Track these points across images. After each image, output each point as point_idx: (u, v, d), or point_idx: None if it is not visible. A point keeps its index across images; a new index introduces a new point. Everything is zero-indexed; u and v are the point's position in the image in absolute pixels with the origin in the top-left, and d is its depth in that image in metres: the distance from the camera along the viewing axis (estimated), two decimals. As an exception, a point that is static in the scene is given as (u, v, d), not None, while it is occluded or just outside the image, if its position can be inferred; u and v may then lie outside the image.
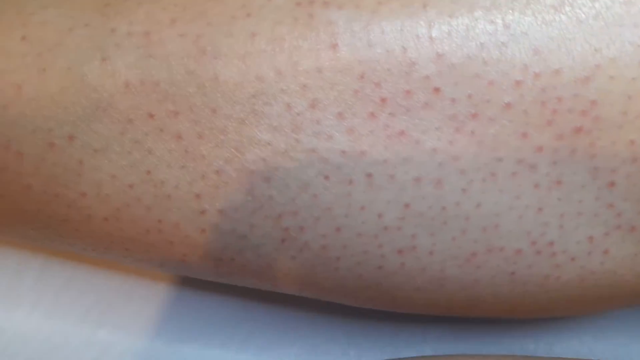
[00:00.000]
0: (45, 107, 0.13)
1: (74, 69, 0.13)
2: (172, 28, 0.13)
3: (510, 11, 0.12)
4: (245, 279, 0.15)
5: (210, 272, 0.15)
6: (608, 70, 0.12)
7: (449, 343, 0.18)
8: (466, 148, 0.13)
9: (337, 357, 0.18)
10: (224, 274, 0.15)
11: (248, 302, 0.19)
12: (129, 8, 0.13)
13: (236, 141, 0.13)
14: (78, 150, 0.13)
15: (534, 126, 0.13)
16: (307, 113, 0.13)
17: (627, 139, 0.13)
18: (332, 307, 0.17)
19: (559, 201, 0.13)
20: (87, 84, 0.13)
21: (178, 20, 0.13)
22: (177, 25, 0.13)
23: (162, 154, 0.13)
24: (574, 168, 0.13)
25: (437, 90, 0.13)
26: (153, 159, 0.13)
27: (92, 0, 0.13)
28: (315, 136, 0.13)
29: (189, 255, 0.15)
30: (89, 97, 0.13)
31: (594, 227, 0.14)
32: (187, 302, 0.19)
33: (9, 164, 0.14)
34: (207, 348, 0.18)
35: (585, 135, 0.13)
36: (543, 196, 0.13)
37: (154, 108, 0.13)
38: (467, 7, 0.12)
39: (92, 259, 0.19)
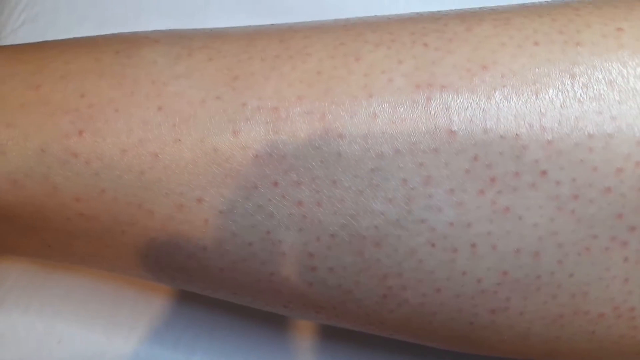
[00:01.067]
0: (179, 174, 0.14)
1: (206, 140, 0.14)
2: (299, 105, 0.14)
3: (617, 104, 0.13)
4: (342, 324, 0.17)
5: (309, 316, 0.17)
6: None
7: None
8: (565, 225, 0.14)
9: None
10: (323, 319, 0.17)
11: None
12: (258, 82, 0.14)
13: (352, 209, 0.14)
14: (205, 211, 0.14)
15: (629, 208, 0.14)
16: (421, 188, 0.14)
17: None
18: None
19: (645, 273, 0.14)
20: (219, 154, 0.14)
21: (305, 98, 0.14)
22: (304, 103, 0.14)
23: (282, 218, 0.14)
24: (663, 246, 0.14)
25: (544, 173, 0.14)
26: (273, 221, 0.14)
27: (221, 72, 0.14)
28: (427, 208, 0.14)
29: (293, 303, 0.16)
30: (220, 166, 0.14)
31: (674, 295, 0.15)
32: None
33: (139, 220, 0.15)
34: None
35: (677, 218, 0.14)
36: (630, 268, 0.14)
37: (279, 177, 0.14)
38: (577, 100, 0.13)
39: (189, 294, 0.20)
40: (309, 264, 0.15)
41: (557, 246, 0.14)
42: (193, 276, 0.16)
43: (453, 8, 0.16)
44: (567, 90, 0.14)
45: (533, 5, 0.16)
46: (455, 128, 0.14)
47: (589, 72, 0.14)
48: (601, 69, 0.14)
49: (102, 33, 0.16)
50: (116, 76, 0.15)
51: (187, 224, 0.15)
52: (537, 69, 0.14)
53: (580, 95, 0.14)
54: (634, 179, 0.14)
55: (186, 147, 0.14)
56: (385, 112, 0.14)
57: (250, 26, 0.17)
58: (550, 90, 0.14)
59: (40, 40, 0.16)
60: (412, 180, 0.14)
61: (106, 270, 0.18)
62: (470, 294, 0.15)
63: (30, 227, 0.15)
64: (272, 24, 0.17)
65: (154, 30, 0.16)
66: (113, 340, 0.19)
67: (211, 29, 0.16)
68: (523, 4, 0.16)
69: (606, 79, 0.14)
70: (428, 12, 0.16)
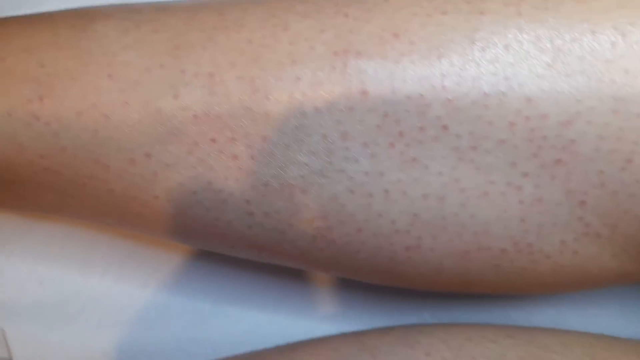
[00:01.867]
0: (128, 132, 0.16)
1: (150, 103, 0.16)
2: (232, 71, 0.16)
3: (511, 66, 0.15)
4: (282, 262, 0.19)
5: (254, 256, 0.19)
6: (586, 116, 0.15)
7: (445, 311, 0.22)
8: (466, 173, 0.16)
9: (354, 321, 0.22)
10: (265, 257, 0.19)
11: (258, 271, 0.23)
12: (196, 51, 0.16)
13: (281, 162, 0.16)
14: (153, 164, 0.17)
15: (522, 158, 0.16)
16: (339, 142, 0.16)
17: (597, 170, 0.16)
18: (352, 282, 0.21)
19: (538, 214, 0.17)
20: (162, 115, 0.16)
21: (236, 64, 0.16)
22: (236, 69, 0.16)
23: (221, 170, 0.16)
24: (552, 190, 0.16)
25: (445, 127, 0.16)
26: (213, 173, 0.17)
27: (164, 43, 0.16)
28: (345, 160, 0.16)
29: (237, 245, 0.18)
30: (163, 125, 0.16)
31: (566, 234, 0.17)
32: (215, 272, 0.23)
33: (96, 174, 0.17)
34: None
35: (563, 166, 0.16)
36: (526, 210, 0.17)
37: (216, 135, 0.16)
38: (475, 62, 0.15)
39: (154, 240, 0.22)
40: (247, 210, 0.17)
41: (459, 191, 0.16)
42: (149, 222, 0.18)
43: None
44: (467, 54, 0.15)
45: None
46: (367, 89, 0.15)
47: (487, 37, 0.15)
48: (498, 35, 0.15)
49: (65, 7, 0.18)
50: (72, 48, 0.16)
51: (139, 176, 0.17)
52: (442, 36, 0.16)
53: (478, 58, 0.15)
54: (525, 131, 0.16)
55: (133, 109, 0.16)
56: (306, 76, 0.16)
57: (194, -2, 0.18)
58: (452, 55, 0.15)
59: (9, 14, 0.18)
60: (331, 135, 0.16)
61: (76, 219, 0.20)
62: (387, 234, 0.17)
63: (4, 181, 0.18)
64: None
65: (108, 5, 0.18)
66: (89, 280, 0.22)
67: (159, 2, 0.18)
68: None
69: (502, 43, 0.15)
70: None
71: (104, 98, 0.16)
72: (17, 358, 0.21)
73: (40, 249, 0.22)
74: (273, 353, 0.19)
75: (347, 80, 0.15)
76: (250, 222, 0.17)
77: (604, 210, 0.16)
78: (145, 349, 0.22)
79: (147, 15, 0.17)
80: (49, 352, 0.21)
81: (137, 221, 0.18)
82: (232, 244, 0.18)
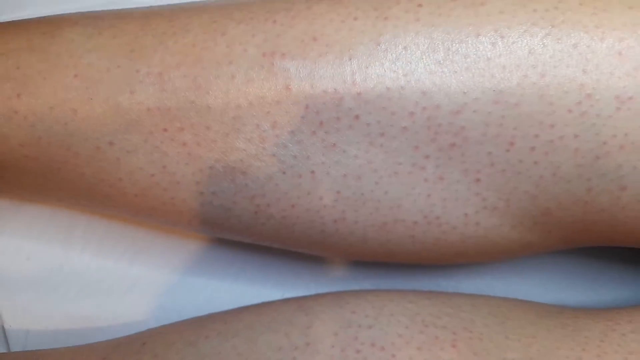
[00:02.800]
0: (93, 124, 0.19)
1: (111, 99, 0.19)
2: (178, 70, 0.19)
3: (409, 64, 0.18)
4: (233, 236, 0.22)
5: (208, 231, 0.22)
6: (472, 106, 0.18)
7: (384, 280, 0.25)
8: (377, 156, 0.19)
9: (299, 288, 0.25)
10: (218, 232, 0.22)
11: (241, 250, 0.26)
12: (149, 54, 0.19)
13: (222, 147, 0.19)
14: (116, 151, 0.20)
15: (422, 142, 0.19)
16: (270, 130, 0.19)
17: (486, 151, 0.19)
18: (298, 255, 0.24)
19: (442, 190, 0.20)
20: (121, 109, 0.19)
21: (182, 65, 0.19)
22: (181, 69, 0.19)
23: (173, 155, 0.20)
24: (451, 169, 0.19)
25: (357, 117, 0.19)
26: (167, 158, 0.20)
27: (121, 47, 0.19)
28: (276, 145, 0.19)
29: (193, 221, 0.21)
30: (123, 117, 0.19)
31: (468, 207, 0.20)
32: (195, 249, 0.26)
33: (69, 159, 0.20)
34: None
35: (458, 149, 0.19)
36: (430, 186, 0.20)
37: (167, 125, 0.19)
38: (379, 61, 0.18)
39: (124, 218, 0.25)
40: (197, 190, 0.20)
41: (372, 171, 0.19)
42: (117, 202, 0.21)
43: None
44: (373, 55, 0.18)
45: None
46: (290, 85, 0.18)
47: (390, 40, 0.18)
48: (399, 38, 0.18)
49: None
50: (43, 52, 0.19)
51: (105, 161, 0.20)
52: (353, 39, 0.18)
53: (382, 58, 0.18)
54: (422, 119, 0.18)
55: (97, 104, 0.19)
56: (240, 74, 0.19)
57: (153, 6, 0.21)
58: (361, 55, 0.18)
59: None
60: (263, 124, 0.19)
61: (55, 202, 0.23)
62: (316, 209, 0.20)
63: (-9, 167, 0.21)
64: (171, 4, 0.21)
65: (75, 12, 0.21)
66: (69, 255, 0.25)
67: (120, 10, 0.21)
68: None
69: (402, 45, 0.18)
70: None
71: (71, 95, 0.19)
72: (7, 323, 0.24)
73: (27, 228, 0.25)
74: (224, 314, 0.22)
75: (274, 77, 0.18)
76: (201, 200, 0.20)
77: (496, 186, 0.19)
78: (119, 315, 0.25)
79: (107, 22, 0.20)
80: (36, 317, 0.24)
81: (107, 202, 0.22)
82: (188, 220, 0.21)
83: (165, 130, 0.19)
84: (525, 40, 0.18)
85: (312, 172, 0.19)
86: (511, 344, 0.19)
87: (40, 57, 0.19)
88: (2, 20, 0.22)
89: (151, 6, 0.21)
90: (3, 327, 0.24)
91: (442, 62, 0.18)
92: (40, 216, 0.25)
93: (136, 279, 0.25)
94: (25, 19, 0.21)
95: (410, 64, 0.18)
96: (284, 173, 0.19)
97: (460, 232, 0.21)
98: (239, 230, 0.22)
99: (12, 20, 0.21)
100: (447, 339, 0.19)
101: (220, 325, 0.21)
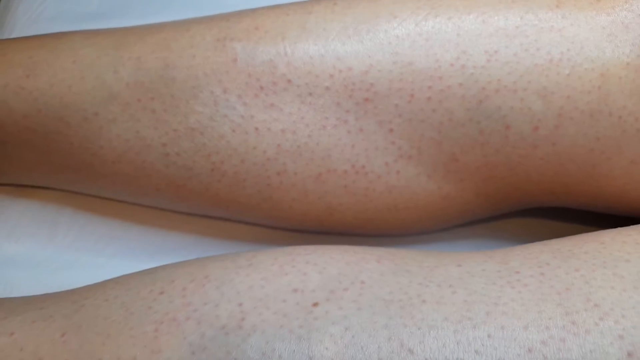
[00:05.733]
0: (83, 97, 0.24)
1: (99, 77, 0.24)
2: (152, 55, 0.24)
3: (327, 39, 0.24)
4: (195, 204, 0.26)
5: (172, 199, 0.26)
6: (377, 67, 0.23)
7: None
8: (307, 112, 0.24)
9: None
10: (182, 196, 0.26)
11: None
12: (130, 46, 0.25)
13: (184, 111, 0.24)
14: (100, 120, 0.24)
15: (343, 98, 0.24)
16: (222, 95, 0.24)
17: (393, 104, 0.23)
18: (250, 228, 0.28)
19: (363, 140, 0.24)
20: (106, 85, 0.24)
21: (155, 51, 0.24)
22: (155, 54, 0.24)
23: (145, 122, 0.24)
24: (368, 121, 0.24)
25: (289, 81, 0.24)
26: (140, 124, 0.24)
27: (110, 43, 0.25)
28: (226, 107, 0.24)
29: (161, 185, 0.25)
30: (106, 91, 0.24)
31: (387, 156, 0.24)
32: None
33: (61, 130, 0.25)
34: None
35: (370, 103, 0.24)
36: (353, 138, 0.24)
37: (141, 96, 0.24)
38: (305, 39, 0.24)
39: (107, 211, 0.29)
40: (163, 151, 0.25)
41: (305, 126, 0.24)
42: (99, 172, 0.26)
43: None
44: (300, 35, 0.24)
45: None
46: (237, 58, 0.24)
47: (313, 26, 0.24)
48: (320, 24, 0.24)
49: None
50: (51, 48, 0.25)
51: (89, 130, 0.25)
52: (285, 26, 0.24)
53: (307, 36, 0.24)
54: (340, 80, 0.24)
55: (87, 81, 0.24)
56: (199, 54, 0.24)
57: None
58: (291, 36, 0.24)
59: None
60: (216, 91, 0.24)
61: (48, 176, 0.27)
62: (261, 162, 0.24)
63: (-3, 143, 0.25)
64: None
65: (83, 30, 0.27)
66: (54, 239, 0.28)
67: (116, 28, 0.27)
68: None
69: (322, 28, 0.24)
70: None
71: (68, 75, 0.24)
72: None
73: (19, 215, 0.29)
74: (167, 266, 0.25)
75: (225, 54, 0.24)
76: (167, 162, 0.25)
77: (407, 135, 0.24)
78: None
79: (101, 31, 0.26)
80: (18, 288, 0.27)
81: (90, 173, 0.26)
82: (156, 184, 0.25)
83: (139, 100, 0.24)
84: (412, 18, 0.24)
85: (256, 128, 0.24)
86: (430, 256, 0.22)
87: (47, 50, 0.25)
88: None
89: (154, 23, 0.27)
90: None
91: (351, 36, 0.24)
92: (30, 208, 0.29)
93: (109, 258, 0.28)
94: (39, 34, 0.27)
95: (328, 39, 0.24)
96: (233, 131, 0.24)
97: (385, 181, 0.25)
98: (199, 192, 0.25)
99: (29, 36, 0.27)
100: (373, 258, 0.22)
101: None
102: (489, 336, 0.17)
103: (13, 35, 0.34)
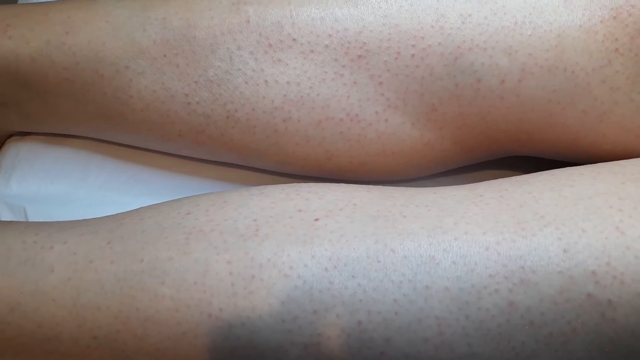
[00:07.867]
0: (115, 52, 0.28)
1: (130, 35, 0.28)
2: (176, 16, 0.28)
3: (326, 4, 0.28)
4: (212, 149, 0.30)
5: (191, 143, 0.30)
6: (369, 27, 0.27)
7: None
8: (309, 67, 0.28)
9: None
10: (200, 141, 0.30)
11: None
12: (156, 8, 0.29)
13: (203, 66, 0.28)
14: (130, 73, 0.28)
15: (339, 55, 0.28)
16: (237, 52, 0.28)
17: (382, 60, 0.28)
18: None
19: (356, 92, 0.28)
20: (136, 42, 0.28)
21: (179, 12, 0.28)
22: (178, 14, 0.28)
23: (170, 75, 0.28)
24: (361, 75, 0.28)
25: (294, 40, 0.28)
26: (165, 76, 0.28)
27: (140, 5, 0.29)
28: (240, 62, 0.28)
29: (183, 131, 0.29)
30: (136, 47, 0.28)
31: (377, 106, 0.28)
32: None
33: (95, 81, 0.29)
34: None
35: (363, 59, 0.28)
36: (348, 89, 0.28)
37: (166, 52, 0.28)
38: (308, 4, 0.28)
39: (133, 158, 0.33)
40: (185, 101, 0.29)
41: (307, 79, 0.28)
42: (128, 119, 0.29)
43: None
44: (308, 4, 0.28)
45: None
46: (250, 19, 0.28)
47: (315, -7, 0.28)
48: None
49: None
50: (86, 9, 0.29)
51: (121, 80, 0.29)
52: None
53: (310, 2, 0.28)
54: (337, 38, 0.28)
55: (120, 38, 0.28)
56: (217, 16, 0.28)
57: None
58: (293, 1, 0.28)
59: None
60: (231, 47, 0.28)
61: (84, 127, 0.31)
62: (270, 110, 0.28)
63: (40, 92, 0.29)
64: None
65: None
66: (86, 181, 0.32)
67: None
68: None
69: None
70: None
71: (103, 32, 0.28)
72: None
73: (53, 162, 0.33)
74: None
75: (238, 16, 0.28)
76: (188, 110, 0.29)
77: (394, 88, 0.28)
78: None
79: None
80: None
81: (120, 121, 0.30)
82: (179, 130, 0.29)
83: (165, 55, 0.28)
84: (399, -13, 0.28)
85: (266, 81, 0.28)
86: (411, 189, 0.26)
87: (84, 11, 0.29)
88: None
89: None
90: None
91: (347, 1, 0.28)
92: (64, 154, 0.33)
93: (135, 197, 0.32)
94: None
95: (327, 4, 0.28)
96: (246, 83, 0.28)
97: (375, 129, 0.29)
98: (215, 137, 0.29)
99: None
100: (364, 189, 0.26)
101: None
102: (455, 239, 0.22)
103: None
